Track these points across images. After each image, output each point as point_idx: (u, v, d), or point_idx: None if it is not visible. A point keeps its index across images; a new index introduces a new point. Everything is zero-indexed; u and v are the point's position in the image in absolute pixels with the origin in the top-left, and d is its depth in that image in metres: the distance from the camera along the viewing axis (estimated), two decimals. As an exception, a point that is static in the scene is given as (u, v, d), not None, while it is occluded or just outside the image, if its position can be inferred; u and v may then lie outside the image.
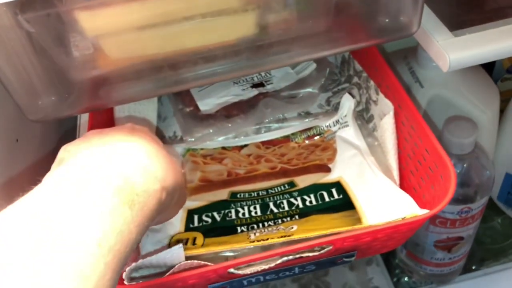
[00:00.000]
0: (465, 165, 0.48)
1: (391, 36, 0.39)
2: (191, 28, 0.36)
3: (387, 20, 0.38)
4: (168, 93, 0.47)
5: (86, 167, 0.26)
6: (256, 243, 0.34)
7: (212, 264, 0.31)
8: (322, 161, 0.43)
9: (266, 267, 0.31)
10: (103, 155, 0.27)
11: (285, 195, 0.40)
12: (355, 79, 0.47)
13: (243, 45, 0.37)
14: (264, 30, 0.37)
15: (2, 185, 0.40)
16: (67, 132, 0.53)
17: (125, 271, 0.31)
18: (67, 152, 0.31)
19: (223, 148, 0.45)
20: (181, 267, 0.32)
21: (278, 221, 0.38)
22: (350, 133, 0.44)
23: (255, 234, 0.36)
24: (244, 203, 0.40)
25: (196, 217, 0.40)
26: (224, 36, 0.37)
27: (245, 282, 0.34)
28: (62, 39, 0.35)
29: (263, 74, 0.47)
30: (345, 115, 0.45)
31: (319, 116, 0.47)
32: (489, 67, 0.58)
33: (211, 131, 0.45)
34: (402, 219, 0.33)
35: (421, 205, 0.35)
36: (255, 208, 0.40)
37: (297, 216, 0.38)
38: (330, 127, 0.45)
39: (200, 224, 0.39)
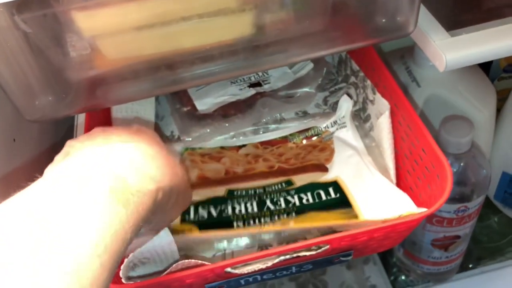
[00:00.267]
0: (461, 164, 0.48)
1: (388, 36, 0.39)
2: (188, 28, 0.36)
3: (384, 20, 0.38)
4: (166, 93, 0.48)
5: (86, 165, 0.26)
6: (251, 230, 0.34)
7: (209, 263, 0.31)
8: (320, 161, 0.43)
9: (263, 266, 0.31)
10: (103, 154, 0.27)
11: (282, 193, 0.41)
12: (352, 79, 0.47)
13: (240, 45, 0.37)
14: (261, 30, 0.37)
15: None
16: (64, 132, 0.53)
17: (120, 269, 0.31)
18: (71, 147, 0.31)
19: (222, 147, 0.46)
20: (179, 267, 0.32)
21: (274, 217, 0.39)
22: (347, 134, 0.45)
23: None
24: (241, 200, 0.41)
25: (192, 210, 0.40)
26: (221, 36, 0.37)
27: (242, 282, 0.34)
28: (59, 39, 0.35)
29: (260, 73, 0.47)
30: (343, 116, 0.46)
31: (317, 116, 0.47)
32: (486, 67, 0.58)
33: (208, 130, 0.45)
34: (399, 217, 0.34)
35: (418, 204, 0.35)
36: (251, 205, 0.40)
37: (293, 214, 0.39)
38: (328, 128, 0.46)
39: (196, 218, 0.39)
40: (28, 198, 0.24)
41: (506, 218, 0.65)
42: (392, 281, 0.63)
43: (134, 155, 0.28)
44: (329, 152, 0.44)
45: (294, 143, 0.45)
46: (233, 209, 0.40)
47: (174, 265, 0.32)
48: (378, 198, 0.38)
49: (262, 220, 0.39)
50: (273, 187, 0.42)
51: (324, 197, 0.40)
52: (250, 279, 0.34)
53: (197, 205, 0.41)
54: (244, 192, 0.41)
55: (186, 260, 0.32)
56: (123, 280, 0.31)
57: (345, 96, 0.46)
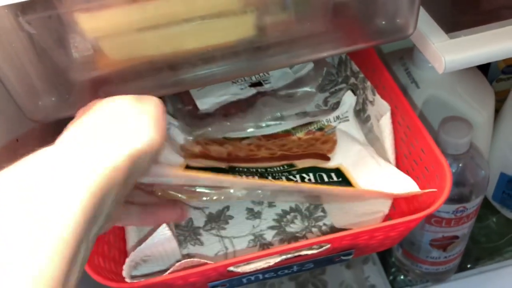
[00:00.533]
0: (460, 165, 0.49)
1: (387, 38, 0.40)
2: (191, 29, 0.36)
3: (383, 22, 0.38)
4: (168, 94, 0.48)
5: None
6: (244, 180, 0.33)
7: (211, 262, 0.32)
8: (322, 151, 0.44)
9: (265, 265, 0.32)
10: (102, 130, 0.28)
11: (284, 173, 0.40)
12: (352, 80, 0.48)
13: (241, 46, 0.37)
14: (262, 32, 0.37)
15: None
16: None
17: (123, 269, 0.32)
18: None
19: (224, 138, 0.46)
20: (181, 266, 0.32)
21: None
22: (350, 126, 0.45)
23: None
24: (243, 174, 0.40)
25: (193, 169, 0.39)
26: (223, 38, 0.37)
27: (244, 280, 0.34)
28: (62, 40, 0.35)
29: (261, 73, 0.48)
30: (346, 111, 0.46)
31: (318, 114, 0.47)
32: (484, 68, 0.58)
33: (210, 129, 0.45)
34: (404, 194, 0.33)
35: (418, 205, 0.36)
36: (253, 178, 0.38)
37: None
38: (331, 122, 0.46)
39: None
40: (24, 166, 0.25)
41: (504, 218, 0.66)
42: (391, 281, 0.64)
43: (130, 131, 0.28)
44: (332, 144, 0.44)
45: (297, 136, 0.46)
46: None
47: (177, 264, 0.32)
48: (381, 180, 0.38)
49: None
50: (275, 168, 0.41)
51: (326, 179, 0.39)
52: (252, 278, 0.34)
53: (198, 168, 0.39)
54: (245, 169, 0.41)
55: (189, 259, 0.32)
56: (126, 280, 0.32)
57: (349, 92, 0.46)
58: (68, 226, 0.21)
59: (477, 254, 0.65)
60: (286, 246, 0.32)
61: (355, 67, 0.47)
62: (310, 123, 0.46)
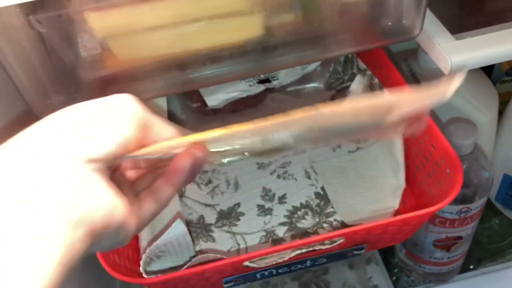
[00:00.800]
0: (464, 166, 0.49)
1: (394, 39, 0.40)
2: (199, 29, 0.36)
3: (390, 23, 0.39)
4: (176, 93, 0.48)
5: None
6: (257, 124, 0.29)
7: (226, 257, 0.32)
8: None
9: (280, 260, 0.32)
10: None
11: None
12: (359, 77, 0.48)
13: (249, 46, 0.38)
14: (270, 32, 0.38)
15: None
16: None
17: (141, 265, 0.32)
18: None
19: None
20: (197, 261, 0.32)
21: None
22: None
23: None
24: None
25: None
26: (231, 38, 0.38)
27: (258, 276, 0.35)
28: (71, 39, 0.36)
29: (269, 71, 0.48)
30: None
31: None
32: (488, 70, 0.59)
33: (218, 126, 0.46)
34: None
35: (427, 200, 0.36)
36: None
37: None
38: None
39: None
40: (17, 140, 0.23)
41: (507, 220, 0.66)
42: (394, 282, 0.64)
43: None
44: None
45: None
46: None
47: (193, 259, 0.32)
48: None
49: None
50: None
51: None
52: (266, 273, 0.34)
53: None
54: None
55: (205, 255, 0.32)
56: (144, 275, 0.32)
57: (359, 77, 0.45)
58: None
59: (480, 255, 0.65)
60: (301, 241, 0.32)
61: (362, 65, 0.47)
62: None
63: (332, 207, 0.42)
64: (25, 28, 0.33)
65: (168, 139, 0.26)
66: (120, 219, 0.23)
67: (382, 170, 0.43)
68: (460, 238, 0.55)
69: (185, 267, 0.32)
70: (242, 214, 0.42)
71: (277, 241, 0.40)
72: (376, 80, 0.45)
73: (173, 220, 0.37)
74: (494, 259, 0.64)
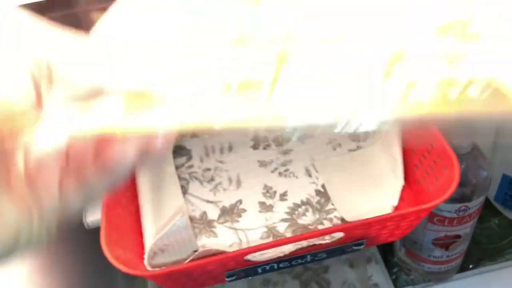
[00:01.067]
0: (462, 166, 0.50)
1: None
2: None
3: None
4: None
5: None
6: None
7: (229, 251, 0.33)
8: None
9: (280, 254, 0.33)
10: None
11: None
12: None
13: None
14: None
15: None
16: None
17: (144, 259, 0.33)
18: None
19: None
20: (200, 255, 0.33)
21: None
22: None
23: None
24: None
25: None
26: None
27: (259, 270, 0.35)
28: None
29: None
30: None
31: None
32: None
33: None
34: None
35: (426, 197, 0.37)
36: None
37: None
38: None
39: None
40: None
41: (506, 220, 0.67)
42: (394, 280, 0.64)
43: None
44: None
45: None
46: None
47: (196, 252, 0.33)
48: None
49: None
50: None
51: None
52: (267, 267, 0.35)
53: None
54: None
55: (208, 249, 0.33)
56: (148, 268, 0.33)
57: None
58: None
59: (479, 255, 0.65)
60: (302, 235, 0.33)
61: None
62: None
63: (332, 204, 0.43)
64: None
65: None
66: None
67: (381, 168, 0.44)
68: (458, 236, 0.55)
69: (188, 260, 0.33)
70: (244, 210, 0.43)
71: (278, 237, 0.40)
72: None
73: (176, 214, 0.38)
74: (493, 259, 0.65)
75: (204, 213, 0.43)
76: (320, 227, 0.40)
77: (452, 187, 0.34)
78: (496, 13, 0.24)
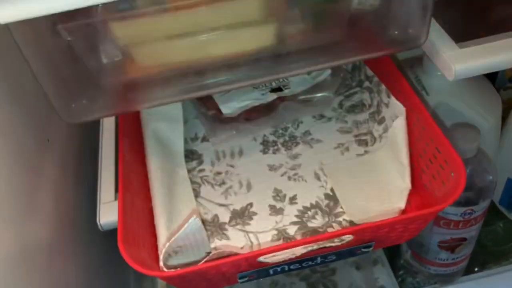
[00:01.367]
0: (468, 170, 0.50)
1: (400, 47, 0.42)
2: (216, 38, 0.38)
3: (396, 32, 0.40)
4: (193, 98, 0.50)
5: None
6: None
7: (242, 252, 0.34)
8: None
9: (292, 256, 0.34)
10: None
11: None
12: (366, 84, 0.51)
13: (262, 54, 0.39)
14: (282, 41, 0.39)
15: (35, 184, 0.42)
16: (91, 132, 0.55)
17: (160, 259, 0.34)
18: None
19: None
20: (214, 257, 0.34)
21: None
22: None
23: None
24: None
25: None
26: (245, 46, 0.39)
27: (271, 271, 0.36)
28: (95, 46, 0.38)
29: (281, 79, 0.50)
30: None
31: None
32: (492, 77, 0.60)
33: (234, 132, 0.48)
34: None
35: (433, 201, 0.38)
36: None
37: None
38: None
39: None
40: None
41: (511, 223, 0.67)
42: (400, 283, 0.65)
43: None
44: None
45: None
46: None
47: (209, 255, 0.34)
48: None
49: None
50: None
51: None
52: (279, 269, 0.36)
53: None
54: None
55: (221, 250, 0.34)
56: (164, 269, 0.34)
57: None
58: None
59: (484, 258, 0.66)
60: (312, 237, 0.34)
61: (369, 72, 0.50)
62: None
63: (341, 208, 0.44)
64: (53, 37, 0.35)
65: None
66: None
67: (389, 173, 0.45)
68: (464, 239, 0.56)
69: (203, 260, 0.34)
70: (255, 213, 0.44)
71: (288, 239, 0.41)
72: (383, 87, 0.47)
73: (189, 216, 0.39)
74: (498, 262, 0.65)
75: (216, 216, 0.44)
76: (329, 230, 0.41)
77: (459, 191, 0.35)
78: None
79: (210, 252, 0.38)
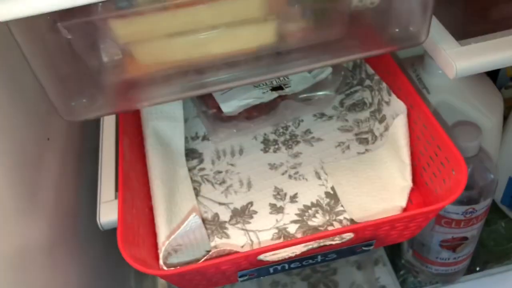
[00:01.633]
0: (469, 168, 0.50)
1: (401, 45, 0.42)
2: (216, 36, 0.38)
3: (397, 30, 0.40)
4: (193, 96, 0.50)
5: None
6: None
7: (242, 251, 0.34)
8: None
9: (292, 254, 0.33)
10: None
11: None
12: (367, 82, 0.50)
13: (263, 52, 0.39)
14: (283, 39, 0.39)
15: (35, 183, 0.42)
16: (91, 131, 0.55)
17: (160, 258, 0.34)
18: None
19: None
20: (213, 255, 0.34)
21: None
22: None
23: None
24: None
25: None
26: (246, 44, 0.39)
27: (271, 270, 0.36)
28: (95, 45, 0.37)
29: (281, 78, 0.50)
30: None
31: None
32: (493, 75, 0.60)
33: (235, 131, 0.48)
34: None
35: (434, 199, 0.38)
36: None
37: None
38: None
39: None
40: None
41: (513, 222, 0.67)
42: (401, 282, 0.65)
43: None
44: None
45: None
46: None
47: (209, 253, 0.34)
48: None
49: None
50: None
51: None
52: (279, 267, 0.36)
53: None
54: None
55: (221, 249, 0.34)
56: (164, 268, 0.33)
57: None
58: None
59: (486, 257, 0.66)
60: (313, 235, 0.34)
61: (370, 70, 0.49)
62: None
63: (342, 206, 0.44)
64: (53, 35, 0.35)
65: None
66: None
67: (389, 171, 0.45)
68: (465, 238, 0.56)
69: (203, 259, 0.34)
70: (255, 212, 0.44)
71: (289, 238, 0.41)
72: (384, 85, 0.47)
73: (189, 214, 0.39)
74: (500, 261, 0.65)
75: (216, 214, 0.44)
76: (330, 228, 0.41)
77: (460, 189, 0.35)
78: None
79: (210, 251, 0.38)
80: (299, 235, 0.41)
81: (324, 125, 0.51)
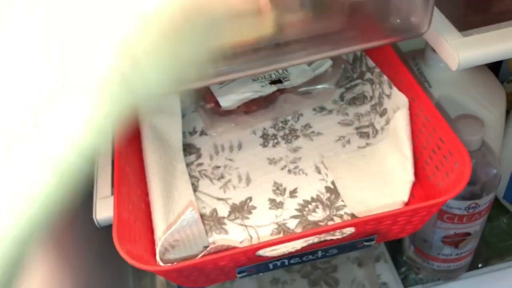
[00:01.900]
0: (472, 163, 0.50)
1: (402, 36, 0.41)
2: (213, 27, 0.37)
3: (398, 21, 0.39)
4: (190, 88, 0.49)
5: None
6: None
7: (240, 246, 0.33)
8: None
9: (292, 250, 0.33)
10: None
11: None
12: (368, 75, 0.50)
13: (261, 44, 0.38)
14: (281, 30, 0.39)
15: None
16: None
17: (157, 253, 0.33)
18: None
19: None
20: (211, 251, 0.33)
21: None
22: None
23: None
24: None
25: None
26: (244, 36, 0.38)
27: (270, 266, 0.36)
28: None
29: (280, 71, 0.49)
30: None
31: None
32: (495, 69, 0.59)
33: (233, 125, 0.47)
34: None
35: (436, 193, 0.37)
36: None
37: None
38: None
39: None
40: None
41: (515, 218, 0.67)
42: (403, 279, 0.65)
43: None
44: None
45: None
46: None
47: (208, 247, 0.33)
48: None
49: None
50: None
51: None
52: (278, 263, 0.35)
53: None
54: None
55: (219, 244, 0.33)
56: (160, 263, 0.33)
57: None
58: None
59: (488, 253, 0.65)
60: (313, 230, 0.33)
61: (371, 63, 0.49)
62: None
63: (342, 201, 0.43)
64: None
65: None
66: None
67: (391, 165, 0.44)
68: (468, 234, 0.55)
69: (200, 255, 0.33)
70: (254, 207, 0.43)
71: (288, 233, 0.40)
72: (385, 78, 0.46)
73: (185, 209, 0.38)
74: (502, 258, 0.65)
75: (214, 210, 0.43)
76: (330, 223, 0.40)
77: (464, 182, 0.34)
78: None
79: (208, 246, 0.37)
80: (299, 231, 0.40)
81: (324, 119, 0.50)
